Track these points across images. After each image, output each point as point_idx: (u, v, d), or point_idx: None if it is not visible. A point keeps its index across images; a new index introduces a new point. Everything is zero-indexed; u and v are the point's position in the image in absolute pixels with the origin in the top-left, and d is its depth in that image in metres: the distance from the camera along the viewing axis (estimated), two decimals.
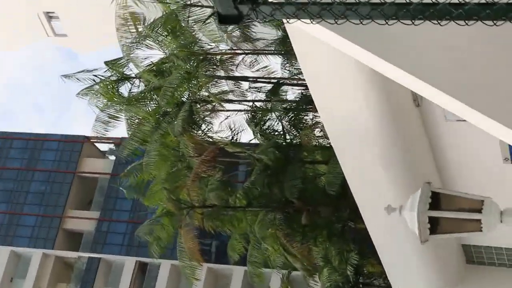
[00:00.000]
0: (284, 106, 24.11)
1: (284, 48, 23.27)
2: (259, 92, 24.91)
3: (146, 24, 24.08)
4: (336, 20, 3.03)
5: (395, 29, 7.08)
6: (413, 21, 3.01)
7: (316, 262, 23.60)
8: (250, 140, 25.09)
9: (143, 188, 26.33)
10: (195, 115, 23.84)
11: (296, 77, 24.15)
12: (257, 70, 25.07)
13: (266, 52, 24.60)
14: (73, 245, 51.18)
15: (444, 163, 11.82)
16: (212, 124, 24.64)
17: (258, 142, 24.47)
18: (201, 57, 23.46)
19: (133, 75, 25.03)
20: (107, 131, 25.41)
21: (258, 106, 24.87)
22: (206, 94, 24.29)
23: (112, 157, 55.49)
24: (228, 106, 25.18)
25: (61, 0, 37.33)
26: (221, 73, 24.36)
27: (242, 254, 24.86)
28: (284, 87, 25.01)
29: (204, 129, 24.41)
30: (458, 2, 2.95)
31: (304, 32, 8.31)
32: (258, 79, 25.04)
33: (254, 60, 24.69)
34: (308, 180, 23.74)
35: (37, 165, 53.64)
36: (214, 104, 24.41)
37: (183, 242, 24.00)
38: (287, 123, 24.08)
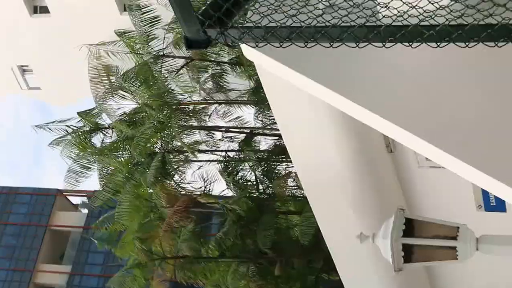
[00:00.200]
0: (257, 156, 24.11)
1: (257, 98, 23.38)
2: (232, 142, 24.93)
3: (119, 75, 24.13)
4: (306, 44, 3.01)
5: (366, 70, 7.12)
6: (383, 43, 3.00)
7: None
8: (223, 190, 25.02)
9: (115, 239, 26.10)
10: (168, 165, 23.78)
11: (269, 127, 24.21)
12: (230, 121, 25.14)
13: (239, 102, 24.69)
14: None
15: (417, 210, 11.79)
16: (184, 174, 24.58)
17: (231, 192, 24.41)
18: (174, 107, 23.50)
19: (106, 125, 25.00)
20: (79, 182, 25.26)
21: (231, 156, 24.86)
22: (179, 144, 24.25)
23: (85, 210, 55.08)
24: (201, 156, 25.16)
25: (35, 54, 37.34)
26: (194, 123, 24.37)
27: None
28: (257, 137, 25.06)
29: (177, 180, 24.34)
30: (429, 24, 2.94)
31: (277, 79, 8.31)
32: (231, 129, 25.08)
33: (227, 110, 24.77)
34: (281, 231, 23.64)
35: (9, 219, 53.11)
36: (187, 154, 24.37)
37: None
38: (260, 173, 24.07)
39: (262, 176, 24.14)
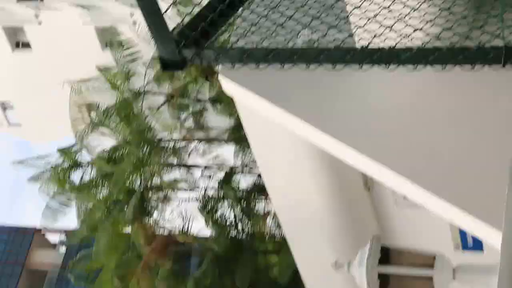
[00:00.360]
0: (237, 194, 24.02)
1: (237, 136, 23.36)
2: (211, 180, 24.86)
3: (99, 111, 24.09)
4: (282, 65, 2.97)
5: (345, 107, 7.09)
6: (360, 65, 2.97)
7: None
8: (202, 229, 24.86)
9: (92, 277, 25.77)
10: (147, 202, 23.63)
11: (249, 165, 24.17)
12: (211, 159, 25.10)
13: (220, 140, 24.67)
14: None
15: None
16: (164, 212, 24.41)
17: (210, 231, 24.27)
18: (154, 145, 23.43)
19: (85, 162, 24.86)
20: (57, 219, 25.05)
21: (210, 194, 24.76)
22: (159, 181, 24.14)
23: (63, 249, 54.54)
24: (180, 194, 25.03)
25: (16, 89, 37.22)
26: (174, 160, 24.30)
27: None
28: (237, 176, 24.99)
29: (156, 217, 24.17)
30: (405, 47, 2.93)
31: (256, 115, 8.29)
32: (211, 167, 25.02)
33: (207, 148, 24.73)
34: (260, 270, 23.47)
35: None
36: (166, 192, 24.24)
37: None
38: (239, 212, 23.96)
39: (241, 215, 24.02)
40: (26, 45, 36.11)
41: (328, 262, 11.34)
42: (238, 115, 12.54)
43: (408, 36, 3.08)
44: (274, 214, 20.35)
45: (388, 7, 3.30)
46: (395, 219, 11.08)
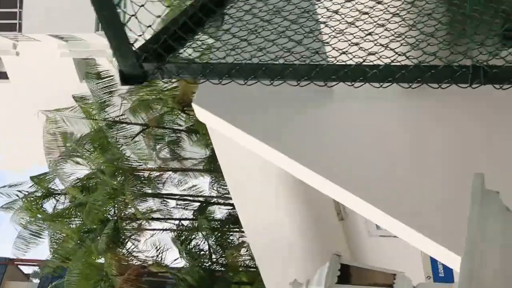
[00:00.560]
0: (211, 225, 23.89)
1: (212, 167, 23.28)
2: (186, 210, 24.73)
3: (74, 140, 23.95)
4: (245, 81, 2.90)
5: (318, 135, 7.03)
6: (325, 82, 2.91)
7: None
8: (176, 259, 24.66)
9: None
10: (120, 232, 23.43)
11: (223, 196, 24.08)
12: (185, 189, 24.99)
13: (195, 170, 24.58)
14: None
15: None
16: (137, 242, 24.20)
17: (184, 261, 24.09)
18: (128, 174, 23.30)
19: (58, 191, 24.63)
20: (28, 249, 24.77)
21: (185, 224, 24.61)
22: (133, 211, 23.96)
23: (36, 280, 53.85)
24: (154, 224, 24.85)
25: None
26: (148, 190, 24.15)
27: None
28: (212, 207, 24.88)
29: (129, 248, 23.95)
30: (372, 64, 2.87)
31: (229, 142, 8.22)
32: (186, 197, 24.90)
33: (182, 179, 24.63)
34: None
35: None
36: (140, 221, 24.06)
37: None
38: (213, 242, 23.81)
39: (215, 245, 23.89)
40: (4, 75, 35.96)
41: None
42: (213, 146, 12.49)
43: (376, 54, 3.02)
44: (249, 245, 20.23)
45: (356, 24, 3.25)
46: (368, 248, 11.02)
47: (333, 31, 3.21)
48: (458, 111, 6.37)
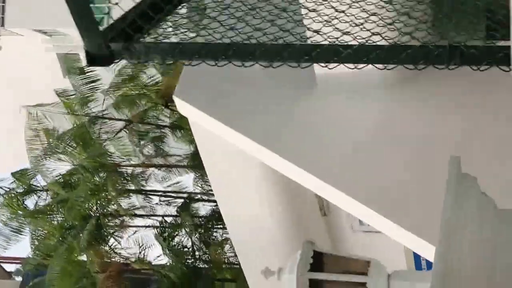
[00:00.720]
0: (194, 222, 23.81)
1: (196, 163, 23.17)
2: (169, 206, 24.63)
3: (56, 136, 23.77)
4: (216, 62, 2.80)
5: (301, 129, 6.95)
6: (298, 63, 2.81)
7: None
8: (158, 256, 24.55)
9: None
10: (103, 229, 23.29)
11: (207, 193, 23.99)
12: (169, 186, 24.89)
13: (178, 166, 24.47)
14: None
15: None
16: (121, 238, 24.08)
17: (167, 258, 24.00)
18: (111, 170, 23.17)
19: (40, 187, 24.46)
20: (9, 245, 24.60)
21: (168, 221, 24.51)
22: (115, 207, 23.83)
23: (19, 278, 53.55)
24: (137, 220, 24.73)
25: None
26: (131, 186, 24.03)
27: None
28: (196, 203, 24.78)
29: (112, 244, 23.81)
30: (345, 44, 2.78)
31: (210, 136, 8.15)
32: (169, 194, 24.80)
33: (165, 175, 24.53)
34: None
35: None
36: (122, 218, 23.94)
37: None
38: (197, 239, 23.74)
39: (199, 242, 23.82)
40: None
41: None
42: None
43: (351, 34, 2.94)
44: (231, 241, 20.19)
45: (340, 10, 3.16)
46: (351, 244, 10.97)
47: (310, 11, 3.13)
48: (440, 105, 6.35)
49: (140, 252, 23.94)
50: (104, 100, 23.97)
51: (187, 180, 25.08)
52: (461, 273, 2.55)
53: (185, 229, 23.74)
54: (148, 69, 23.32)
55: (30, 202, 24.32)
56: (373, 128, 6.68)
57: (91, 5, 2.67)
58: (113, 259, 23.47)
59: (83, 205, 23.07)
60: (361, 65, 2.83)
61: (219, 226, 23.49)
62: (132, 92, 23.67)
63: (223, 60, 2.88)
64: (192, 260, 23.63)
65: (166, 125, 24.35)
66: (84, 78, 23.97)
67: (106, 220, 23.68)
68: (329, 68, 2.86)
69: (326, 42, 2.89)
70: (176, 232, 23.96)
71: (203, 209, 24.86)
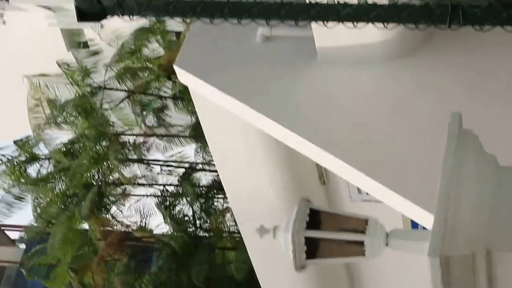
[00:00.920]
0: (196, 191, 23.89)
1: (198, 133, 23.20)
2: (171, 175, 24.70)
3: (58, 105, 23.79)
4: (212, 20, 2.82)
5: (302, 98, 6.97)
6: (296, 21, 2.82)
7: None
8: (159, 225, 24.69)
9: (46, 271, 25.44)
10: (104, 198, 23.39)
11: (209, 162, 24.06)
12: (172, 156, 24.95)
13: (180, 136, 24.51)
14: None
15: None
16: (122, 207, 24.18)
17: (168, 227, 24.14)
18: (113, 139, 23.23)
19: (42, 156, 24.51)
20: (12, 212, 24.71)
21: (169, 190, 24.59)
22: (117, 176, 23.90)
23: (23, 246, 53.76)
24: (139, 189, 24.81)
25: None
26: (133, 156, 24.09)
27: None
28: (197, 173, 24.85)
29: (113, 213, 23.93)
30: (344, 3, 2.78)
31: (211, 106, 8.16)
32: (171, 163, 24.86)
33: (167, 145, 24.57)
34: (217, 267, 23.42)
35: None
36: (124, 187, 24.03)
37: None
38: (198, 208, 23.84)
39: (199, 211, 23.92)
40: None
41: (281, 256, 11.24)
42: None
43: None
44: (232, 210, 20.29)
45: None
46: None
47: None
48: (442, 78, 6.35)
49: (141, 221, 24.06)
50: (105, 71, 23.98)
51: (188, 150, 25.16)
52: (459, 230, 2.57)
53: (186, 199, 23.82)
54: (151, 43, 23.45)
55: (33, 170, 24.41)
56: (374, 99, 6.70)
57: None
58: (114, 227, 23.60)
59: (85, 173, 23.14)
60: (360, 24, 2.83)
61: (220, 196, 23.59)
62: (134, 65, 23.70)
63: (219, 18, 2.89)
64: (193, 229, 23.75)
65: (168, 96, 24.37)
66: (86, 52, 24.05)
67: (108, 188, 23.78)
68: (328, 28, 2.87)
69: (325, 1, 2.89)
70: (177, 201, 24.06)
71: (204, 178, 24.94)
